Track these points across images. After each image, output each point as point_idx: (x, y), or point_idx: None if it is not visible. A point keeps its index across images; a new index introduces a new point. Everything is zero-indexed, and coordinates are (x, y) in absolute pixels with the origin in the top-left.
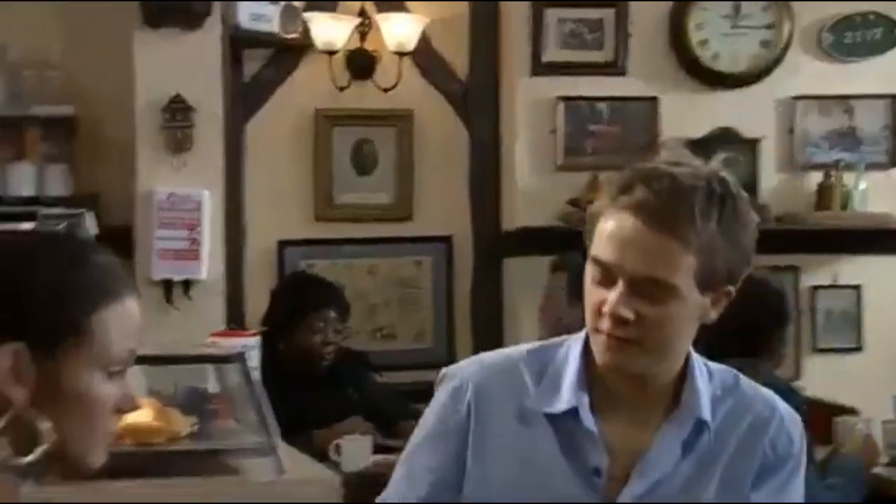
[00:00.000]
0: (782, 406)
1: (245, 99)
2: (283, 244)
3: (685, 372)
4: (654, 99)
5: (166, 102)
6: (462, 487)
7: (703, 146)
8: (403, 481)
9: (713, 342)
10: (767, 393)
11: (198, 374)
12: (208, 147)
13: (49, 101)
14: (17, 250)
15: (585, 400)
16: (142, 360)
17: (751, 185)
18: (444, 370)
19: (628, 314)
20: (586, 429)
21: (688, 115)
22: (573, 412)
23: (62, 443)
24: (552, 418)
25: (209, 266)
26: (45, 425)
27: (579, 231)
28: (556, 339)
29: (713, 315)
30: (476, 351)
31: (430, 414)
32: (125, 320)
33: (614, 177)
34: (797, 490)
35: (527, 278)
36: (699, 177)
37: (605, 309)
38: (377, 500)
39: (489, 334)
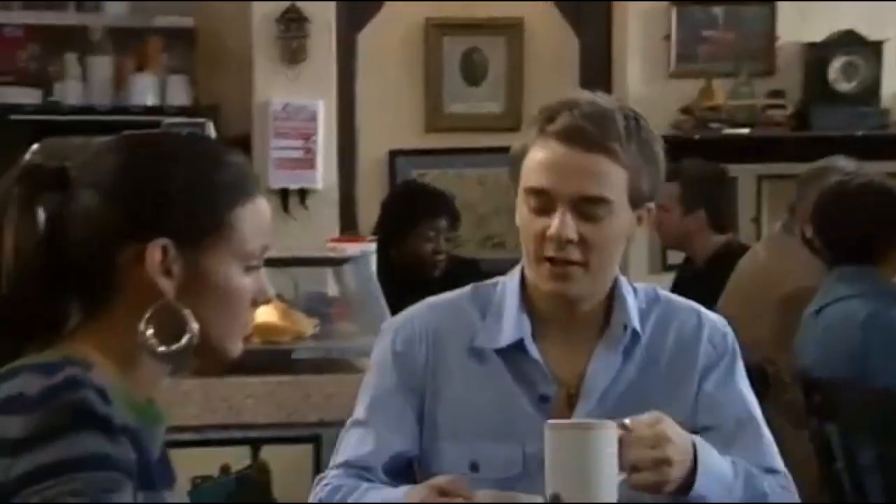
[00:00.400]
0: (705, 311)
1: (356, 9)
2: (394, 154)
3: (613, 293)
4: (770, 1)
5: (281, 14)
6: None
7: (822, 50)
8: (371, 436)
9: (833, 249)
10: (688, 302)
11: (317, 279)
12: (322, 58)
13: (170, 12)
14: (159, 149)
15: (528, 331)
16: (266, 262)
17: (872, 90)
18: (386, 322)
19: (573, 235)
20: (532, 359)
21: (806, 17)
22: (518, 345)
23: (204, 334)
24: (500, 352)
25: (324, 175)
26: (189, 317)
27: (693, 139)
28: (491, 280)
29: (638, 232)
30: None
31: (384, 368)
32: (259, 217)
33: (536, 114)
34: (742, 373)
35: None
36: (612, 102)
37: (550, 232)
38: (340, 460)
39: None
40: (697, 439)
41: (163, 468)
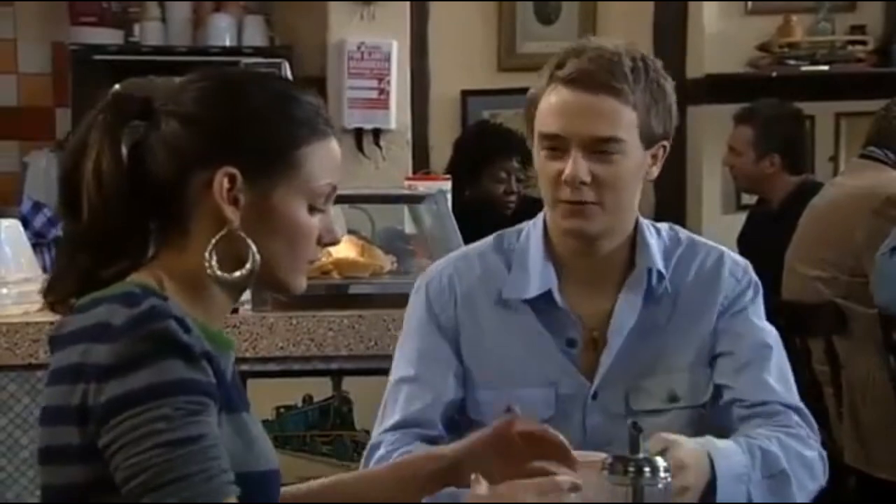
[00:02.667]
0: (727, 250)
1: None
2: (466, 94)
3: (635, 237)
4: None
5: None
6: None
7: None
8: (425, 389)
9: None
10: (709, 242)
11: (394, 216)
12: None
13: None
14: (235, 82)
15: (554, 281)
16: (344, 199)
17: None
18: (419, 278)
19: (586, 176)
20: (559, 307)
21: None
22: (546, 295)
23: (268, 266)
24: (528, 302)
25: (397, 115)
26: (251, 246)
27: (770, 77)
28: (515, 227)
29: (654, 172)
30: (658, 203)
31: (422, 323)
32: (328, 157)
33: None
34: (761, 309)
35: (712, 128)
36: (619, 46)
37: (564, 175)
38: (394, 420)
39: (670, 184)
40: (711, 447)
41: (238, 392)
